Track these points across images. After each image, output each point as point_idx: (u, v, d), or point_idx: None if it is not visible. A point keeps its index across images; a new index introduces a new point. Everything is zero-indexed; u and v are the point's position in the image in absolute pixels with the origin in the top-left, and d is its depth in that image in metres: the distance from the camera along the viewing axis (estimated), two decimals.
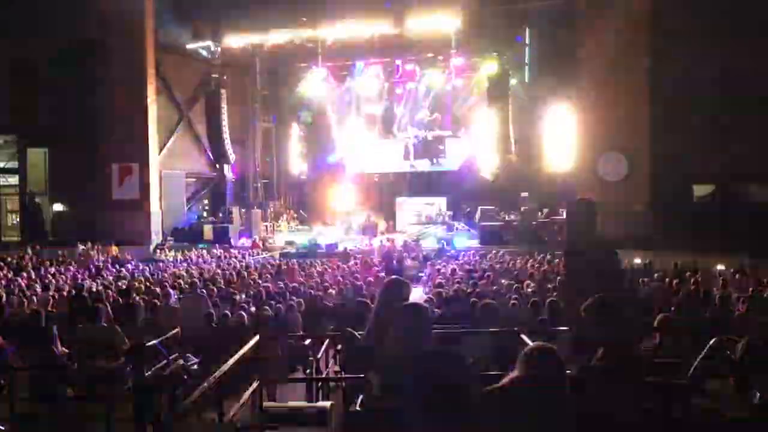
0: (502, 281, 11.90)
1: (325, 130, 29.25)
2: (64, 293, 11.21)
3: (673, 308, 8.51)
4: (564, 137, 24.26)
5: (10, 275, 13.67)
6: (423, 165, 27.97)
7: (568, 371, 3.58)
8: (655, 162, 19.35)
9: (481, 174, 26.15)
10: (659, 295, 10.03)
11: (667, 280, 11.70)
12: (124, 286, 11.92)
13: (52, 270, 15.02)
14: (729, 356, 4.53)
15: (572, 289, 5.13)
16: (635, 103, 19.32)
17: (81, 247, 19.42)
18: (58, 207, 23.46)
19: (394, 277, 5.05)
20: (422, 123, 27.95)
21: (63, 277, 13.90)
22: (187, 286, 11.50)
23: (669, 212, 18.38)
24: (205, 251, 20.25)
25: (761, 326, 4.31)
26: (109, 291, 11.23)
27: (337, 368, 7.41)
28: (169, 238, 23.53)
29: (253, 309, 9.34)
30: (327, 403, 5.16)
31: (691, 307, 8.46)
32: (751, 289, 9.76)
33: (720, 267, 13.33)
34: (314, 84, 27.54)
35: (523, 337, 5.52)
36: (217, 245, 22.29)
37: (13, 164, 24.85)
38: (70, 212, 23.22)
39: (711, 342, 5.04)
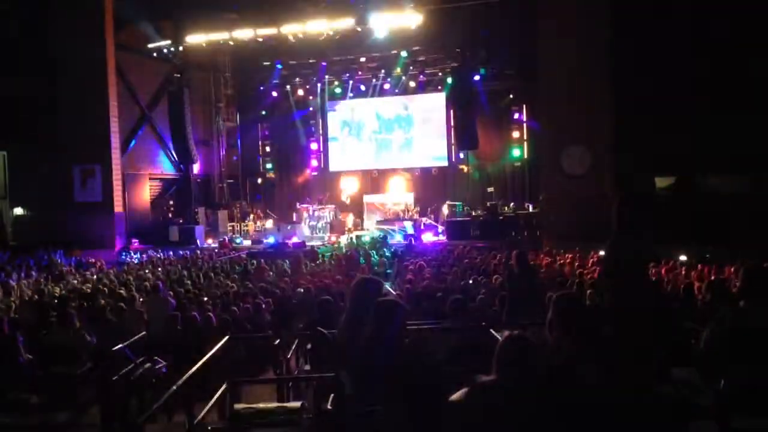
0: (471, 276, 11.97)
1: (291, 129, 29.12)
2: (27, 299, 11.02)
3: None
4: (527, 131, 24.54)
5: None
6: (390, 162, 28.04)
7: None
8: (617, 155, 19.57)
9: (447, 170, 26.45)
10: None
11: None
12: (89, 290, 11.74)
13: (14, 275, 14.71)
14: (694, 345, 4.61)
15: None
16: (597, 96, 19.48)
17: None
18: (18, 211, 22.96)
19: (366, 276, 5.05)
20: (387, 120, 28.02)
21: (25, 282, 13.61)
22: (152, 288, 11.35)
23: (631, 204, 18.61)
24: (171, 252, 19.98)
25: (725, 314, 4.39)
26: (74, 295, 11.05)
27: (307, 368, 7.40)
28: (133, 240, 23.19)
29: (220, 310, 9.28)
30: (297, 404, 5.14)
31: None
32: (713, 278, 9.93)
33: (683, 258, 13.56)
34: (278, 82, 27.45)
35: (492, 331, 5.56)
36: (183, 246, 22.06)
37: None
38: (32, 216, 22.75)
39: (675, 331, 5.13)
